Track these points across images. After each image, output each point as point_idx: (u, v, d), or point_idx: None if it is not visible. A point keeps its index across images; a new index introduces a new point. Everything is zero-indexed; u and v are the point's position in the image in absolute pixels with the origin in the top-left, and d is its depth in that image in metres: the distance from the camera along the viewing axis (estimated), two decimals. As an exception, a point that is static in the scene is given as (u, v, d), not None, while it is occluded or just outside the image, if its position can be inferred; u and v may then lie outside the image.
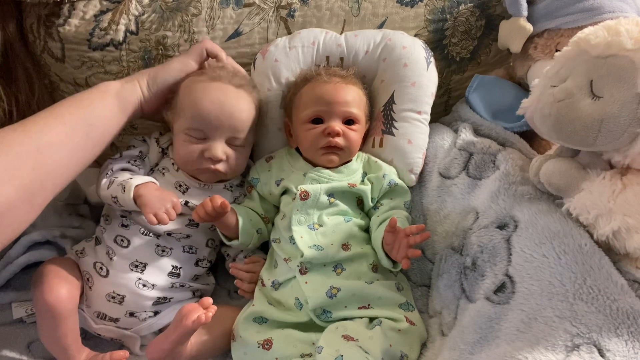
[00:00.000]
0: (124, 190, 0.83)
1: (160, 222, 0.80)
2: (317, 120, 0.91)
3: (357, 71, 0.98)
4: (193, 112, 0.87)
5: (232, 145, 0.89)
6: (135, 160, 0.92)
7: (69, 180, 0.76)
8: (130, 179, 0.85)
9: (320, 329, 0.79)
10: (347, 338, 0.74)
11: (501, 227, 0.78)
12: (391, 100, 0.96)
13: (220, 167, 0.89)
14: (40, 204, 0.71)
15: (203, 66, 0.93)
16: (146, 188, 0.83)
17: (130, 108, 0.85)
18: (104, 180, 0.87)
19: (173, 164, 0.92)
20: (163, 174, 0.92)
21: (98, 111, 0.80)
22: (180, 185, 0.91)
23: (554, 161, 0.76)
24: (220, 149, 0.88)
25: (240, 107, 0.89)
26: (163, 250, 0.87)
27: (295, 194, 0.88)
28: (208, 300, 0.76)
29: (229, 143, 0.89)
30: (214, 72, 0.90)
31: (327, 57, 1.00)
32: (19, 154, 0.67)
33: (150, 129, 1.03)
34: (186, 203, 0.89)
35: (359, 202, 0.92)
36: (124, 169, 0.90)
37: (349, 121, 0.92)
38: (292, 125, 0.96)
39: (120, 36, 0.99)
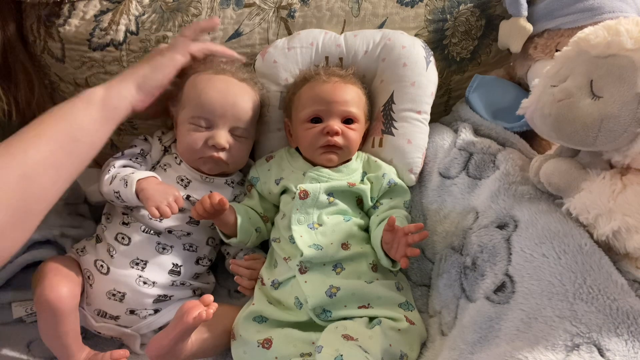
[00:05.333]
0: (126, 185, 0.84)
1: (162, 215, 0.80)
2: (316, 120, 0.91)
3: (357, 71, 0.98)
4: (198, 101, 0.89)
5: (234, 135, 0.91)
6: (137, 158, 0.93)
7: (56, 199, 0.73)
8: (133, 173, 0.86)
9: (320, 329, 0.79)
10: (347, 337, 0.74)
11: (501, 226, 0.77)
12: (391, 100, 0.96)
13: (223, 155, 0.90)
14: (30, 228, 0.69)
15: (195, 57, 0.91)
16: (148, 182, 0.84)
17: (118, 115, 0.81)
18: (106, 176, 0.88)
19: (176, 157, 0.93)
20: (165, 169, 0.93)
21: (83, 124, 0.76)
22: (182, 180, 0.91)
23: (554, 161, 0.76)
24: (224, 137, 0.89)
25: (243, 97, 0.92)
26: (164, 248, 0.88)
27: (295, 193, 0.88)
28: (209, 297, 0.76)
29: (231, 133, 0.91)
30: (218, 67, 0.94)
31: (327, 58, 1.00)
32: (5, 181, 0.65)
33: (151, 129, 1.03)
34: (188, 197, 0.89)
35: (358, 202, 0.92)
36: (125, 166, 0.90)
37: (348, 120, 0.92)
38: (291, 125, 0.97)
39: (120, 36, 0.99)
